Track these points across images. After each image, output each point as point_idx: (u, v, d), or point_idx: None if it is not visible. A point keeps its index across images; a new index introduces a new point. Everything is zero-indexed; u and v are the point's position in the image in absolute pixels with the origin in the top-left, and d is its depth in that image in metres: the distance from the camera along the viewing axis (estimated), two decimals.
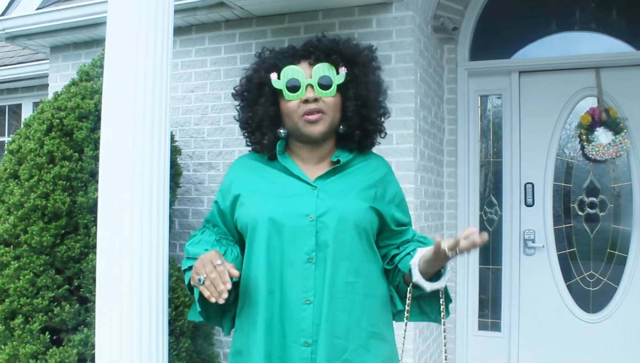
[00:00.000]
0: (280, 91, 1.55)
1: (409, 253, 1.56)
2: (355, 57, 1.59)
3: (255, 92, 1.60)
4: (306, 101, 1.52)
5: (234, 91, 1.67)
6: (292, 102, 1.53)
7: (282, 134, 1.59)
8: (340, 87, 1.56)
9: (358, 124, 1.59)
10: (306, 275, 1.49)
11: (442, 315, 1.54)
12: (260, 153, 1.65)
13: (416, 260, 1.49)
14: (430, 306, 1.60)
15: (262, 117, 1.58)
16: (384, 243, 1.64)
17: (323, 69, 1.54)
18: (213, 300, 1.35)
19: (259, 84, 1.59)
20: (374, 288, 1.57)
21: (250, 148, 1.68)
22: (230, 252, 1.58)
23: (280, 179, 1.58)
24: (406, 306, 1.57)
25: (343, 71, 1.56)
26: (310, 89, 1.52)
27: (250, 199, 1.57)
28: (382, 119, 1.67)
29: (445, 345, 1.59)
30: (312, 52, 1.56)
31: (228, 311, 1.66)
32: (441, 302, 1.54)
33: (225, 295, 1.33)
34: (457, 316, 4.09)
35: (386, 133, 1.69)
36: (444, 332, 1.57)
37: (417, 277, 1.48)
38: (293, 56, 1.58)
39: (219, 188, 1.68)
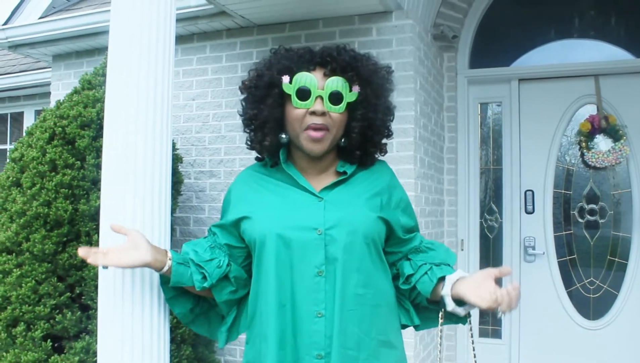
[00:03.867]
0: (289, 95, 1.51)
1: (425, 273, 1.56)
2: (371, 77, 1.55)
3: (263, 91, 1.55)
4: (313, 113, 1.48)
5: (241, 85, 1.62)
6: (298, 110, 1.50)
7: (284, 140, 1.56)
8: (349, 105, 1.52)
9: (360, 145, 1.57)
10: (317, 289, 1.48)
11: (469, 320, 1.57)
12: (259, 153, 1.63)
13: (448, 290, 1.49)
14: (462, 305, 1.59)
15: (266, 118, 1.54)
16: (391, 249, 1.62)
17: (337, 83, 1.50)
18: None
19: (269, 84, 1.54)
20: (383, 298, 1.57)
21: (248, 147, 1.64)
22: (217, 261, 1.56)
23: (285, 191, 1.56)
24: (438, 331, 1.59)
25: (356, 89, 1.52)
26: (319, 101, 1.49)
27: (256, 214, 1.55)
28: (385, 140, 1.65)
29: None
30: (329, 62, 1.51)
31: (223, 323, 1.67)
32: (468, 317, 1.57)
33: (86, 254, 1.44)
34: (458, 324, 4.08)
35: (386, 151, 1.68)
36: (472, 336, 1.60)
37: (452, 307, 1.50)
38: (309, 61, 1.53)
39: (223, 200, 1.67)
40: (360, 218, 1.52)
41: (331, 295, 1.48)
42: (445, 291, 1.49)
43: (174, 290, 1.60)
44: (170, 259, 1.51)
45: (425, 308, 1.65)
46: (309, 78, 1.50)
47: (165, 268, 1.50)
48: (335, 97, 1.49)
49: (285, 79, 1.51)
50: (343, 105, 1.51)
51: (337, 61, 1.51)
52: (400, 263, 1.64)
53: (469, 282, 1.46)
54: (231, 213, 1.60)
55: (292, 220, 1.51)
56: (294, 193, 1.56)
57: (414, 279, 1.58)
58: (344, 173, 1.57)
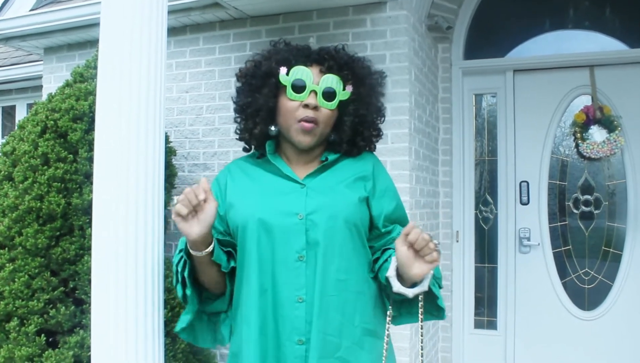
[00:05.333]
0: (284, 87, 1.55)
1: (386, 260, 1.53)
2: (365, 78, 1.60)
3: (260, 80, 1.58)
4: (306, 106, 1.52)
5: (238, 72, 1.65)
6: (291, 103, 1.53)
7: (273, 132, 1.59)
8: (341, 103, 1.57)
9: (350, 139, 1.61)
10: (297, 274, 1.49)
11: (420, 313, 1.49)
12: (247, 143, 1.66)
13: (392, 272, 1.45)
14: (432, 303, 1.55)
15: (260, 107, 1.57)
16: (373, 243, 1.61)
17: (332, 80, 1.54)
18: (184, 211, 1.38)
19: (266, 73, 1.58)
20: (366, 285, 1.56)
21: (237, 137, 1.67)
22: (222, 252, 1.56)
23: (269, 180, 1.59)
24: (388, 312, 1.55)
25: (349, 88, 1.57)
26: (313, 95, 1.53)
27: (239, 201, 1.57)
28: (375, 139, 1.68)
29: (422, 343, 1.57)
30: (326, 60, 1.56)
31: (226, 317, 1.65)
32: (420, 305, 1.49)
33: (202, 196, 1.38)
34: (454, 315, 4.10)
35: (375, 148, 1.71)
36: (421, 329, 1.54)
37: (397, 287, 1.44)
38: (307, 56, 1.57)
39: (211, 187, 1.67)
40: (341, 202, 1.54)
41: (312, 280, 1.49)
42: (390, 273, 1.45)
43: (193, 285, 1.55)
44: (214, 240, 1.50)
45: (399, 301, 1.60)
46: (306, 72, 1.54)
47: (204, 253, 1.46)
48: (329, 94, 1.54)
49: (283, 70, 1.55)
50: (335, 102, 1.55)
51: (334, 59, 1.57)
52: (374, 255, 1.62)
53: None
54: (220, 202, 1.61)
55: (273, 206, 1.53)
56: (276, 181, 1.58)
57: (377, 266, 1.57)
58: (326, 159, 1.60)
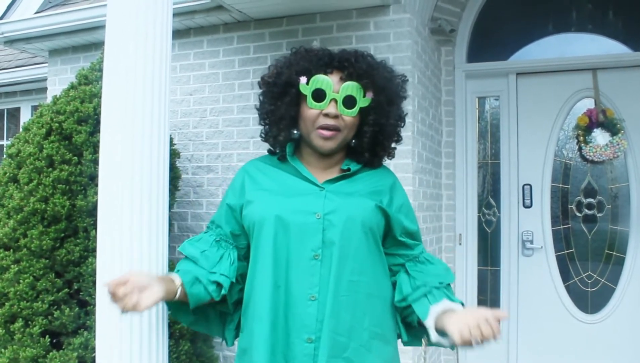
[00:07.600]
0: (305, 95, 1.56)
1: (425, 295, 1.55)
2: (386, 85, 1.60)
3: (281, 88, 1.60)
4: (326, 115, 1.53)
5: (260, 80, 1.67)
6: (312, 111, 1.55)
7: (295, 135, 1.62)
8: (361, 109, 1.57)
9: (370, 148, 1.62)
10: (312, 272, 1.51)
11: (456, 348, 1.51)
12: (272, 146, 1.68)
13: (431, 323, 1.47)
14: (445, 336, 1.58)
15: (283, 115, 1.59)
16: (390, 251, 1.64)
17: (352, 88, 1.54)
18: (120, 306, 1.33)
19: (287, 83, 1.59)
20: (378, 289, 1.58)
21: (262, 140, 1.69)
22: (227, 256, 1.59)
23: (288, 180, 1.61)
24: (423, 353, 1.57)
25: (370, 95, 1.57)
26: (333, 103, 1.54)
27: (258, 198, 1.59)
28: (395, 145, 1.71)
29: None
30: (346, 67, 1.56)
31: (230, 321, 1.68)
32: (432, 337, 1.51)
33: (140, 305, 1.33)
34: None
35: (394, 156, 1.72)
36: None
37: (435, 338, 1.47)
38: (327, 64, 1.58)
39: (227, 189, 1.70)
40: (359, 206, 1.56)
41: (326, 279, 1.50)
42: (429, 324, 1.48)
43: (175, 303, 1.57)
44: (179, 285, 1.49)
45: (413, 327, 1.64)
46: (326, 81, 1.55)
47: (177, 297, 1.47)
48: (349, 102, 1.55)
49: (303, 80, 1.56)
50: (356, 109, 1.56)
51: (354, 67, 1.56)
52: (399, 276, 1.64)
53: (455, 317, 1.43)
54: (238, 198, 1.63)
55: (291, 204, 1.55)
56: (295, 182, 1.60)
57: (410, 299, 1.58)
58: (348, 169, 1.61)
